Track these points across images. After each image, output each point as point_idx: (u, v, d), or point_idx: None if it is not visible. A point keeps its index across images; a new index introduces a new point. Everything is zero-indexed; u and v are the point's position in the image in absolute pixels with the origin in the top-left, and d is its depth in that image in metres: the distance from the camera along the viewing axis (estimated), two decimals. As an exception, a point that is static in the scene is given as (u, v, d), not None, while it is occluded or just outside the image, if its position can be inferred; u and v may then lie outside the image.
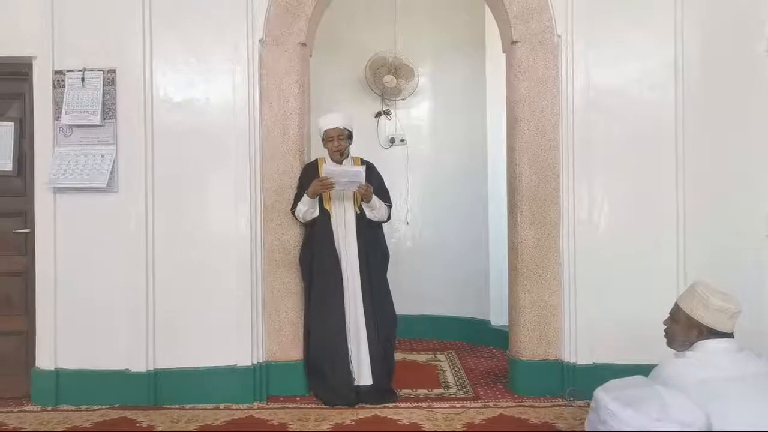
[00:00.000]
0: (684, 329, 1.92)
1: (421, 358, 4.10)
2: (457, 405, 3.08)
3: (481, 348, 4.35)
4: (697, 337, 1.88)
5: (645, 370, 2.09)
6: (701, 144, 3.17)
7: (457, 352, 4.22)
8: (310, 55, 3.53)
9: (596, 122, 3.23)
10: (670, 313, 2.02)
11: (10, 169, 3.32)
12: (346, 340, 3.13)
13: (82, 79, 3.21)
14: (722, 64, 3.19)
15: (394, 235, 4.71)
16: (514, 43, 3.32)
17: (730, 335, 1.86)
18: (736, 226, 3.14)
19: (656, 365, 2.01)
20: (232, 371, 3.19)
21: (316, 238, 3.22)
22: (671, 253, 3.15)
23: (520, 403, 3.10)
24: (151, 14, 3.21)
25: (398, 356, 3.75)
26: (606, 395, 1.68)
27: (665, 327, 2.04)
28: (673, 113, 3.19)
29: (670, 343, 2.01)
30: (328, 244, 3.18)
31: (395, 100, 4.81)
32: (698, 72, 3.19)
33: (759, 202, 3.15)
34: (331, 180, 3.03)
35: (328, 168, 3.08)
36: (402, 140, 4.83)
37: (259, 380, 3.21)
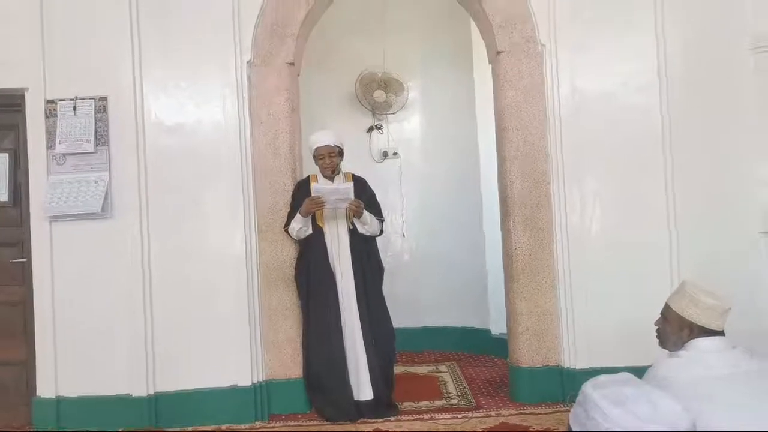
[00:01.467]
0: (675, 329, 1.93)
1: (422, 370, 4.09)
2: (459, 415, 3.08)
3: (482, 357, 4.34)
4: (689, 336, 1.88)
5: (642, 372, 2.09)
6: (689, 144, 3.20)
7: (459, 363, 4.22)
8: (299, 74, 3.57)
9: (584, 128, 3.26)
10: (661, 313, 2.03)
11: (6, 200, 3.34)
12: (344, 356, 3.13)
13: (74, 108, 3.25)
14: (706, 64, 3.23)
15: (391, 247, 4.72)
16: (499, 53, 3.36)
17: (721, 333, 1.87)
18: (727, 225, 3.17)
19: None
20: (232, 391, 3.19)
21: (311, 254, 3.23)
22: (664, 254, 3.17)
23: (521, 411, 3.10)
24: (140, 41, 3.26)
25: (399, 369, 3.76)
26: (595, 392, 1.68)
27: (656, 327, 2.04)
28: (660, 115, 3.23)
29: (662, 344, 2.01)
30: (323, 260, 3.20)
31: (386, 114, 4.85)
32: (682, 72, 3.23)
33: (750, 199, 3.18)
34: (321, 198, 3.05)
35: (317, 186, 3.11)
36: (395, 153, 4.87)
37: (259, 399, 3.21)
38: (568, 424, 1.79)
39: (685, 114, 3.21)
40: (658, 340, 2.03)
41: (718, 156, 3.20)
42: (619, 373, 1.84)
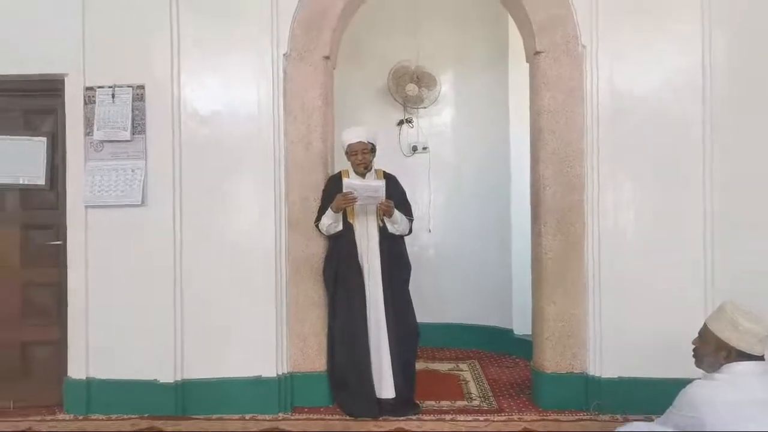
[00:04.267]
0: (712, 350, 1.90)
1: (443, 367, 4.10)
2: (481, 418, 3.09)
3: (503, 357, 4.33)
4: (726, 359, 1.85)
5: (671, 384, 2.08)
6: (730, 152, 3.12)
7: (480, 362, 4.21)
8: (334, 68, 3.56)
9: (622, 133, 3.20)
10: (698, 333, 2.00)
11: (43, 183, 3.41)
12: (369, 353, 3.15)
13: (113, 96, 3.29)
14: (753, 69, 3.13)
15: (417, 242, 4.71)
16: (537, 53, 3.31)
17: (760, 357, 1.84)
18: (766, 237, 3.08)
19: (681, 379, 1.99)
20: (257, 382, 3.24)
21: (340, 251, 3.24)
22: (699, 266, 3.11)
23: (544, 417, 3.09)
24: (179, 31, 3.28)
25: (420, 365, 3.77)
26: None
27: (693, 347, 2.01)
28: (701, 121, 3.15)
29: (698, 364, 1.98)
30: (352, 257, 3.21)
31: (417, 109, 4.82)
32: (726, 78, 3.14)
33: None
34: (353, 194, 3.05)
35: (349, 182, 3.10)
36: (424, 148, 4.84)
37: (283, 391, 3.25)
38: None
39: (728, 121, 3.13)
40: (694, 360, 2.00)
41: (760, 164, 3.11)
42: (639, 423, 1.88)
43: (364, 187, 3.09)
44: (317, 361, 3.32)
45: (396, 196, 3.23)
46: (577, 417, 3.07)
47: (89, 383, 3.25)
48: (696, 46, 3.16)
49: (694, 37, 3.16)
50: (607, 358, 3.15)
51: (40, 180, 3.41)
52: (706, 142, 3.13)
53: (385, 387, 3.14)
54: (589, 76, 3.23)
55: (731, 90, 3.13)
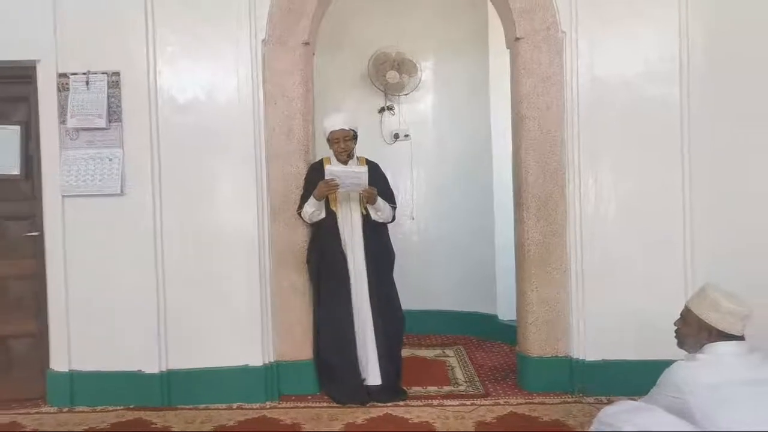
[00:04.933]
0: (694, 331, 1.93)
1: (429, 353, 4.13)
2: (468, 402, 3.12)
3: (489, 343, 4.37)
4: (707, 339, 1.89)
5: (654, 366, 2.10)
6: (708, 137, 3.15)
7: (465, 347, 4.25)
8: (314, 54, 3.52)
9: (602, 118, 3.22)
10: (680, 315, 2.04)
11: (18, 173, 3.32)
12: (354, 340, 3.15)
13: (87, 82, 3.21)
14: (730, 54, 3.15)
15: (400, 230, 4.70)
16: (518, 39, 3.30)
17: (740, 338, 1.88)
18: (746, 221, 3.12)
19: (664, 361, 2.03)
20: (243, 371, 3.22)
21: (323, 238, 3.23)
22: (679, 248, 3.16)
23: (530, 400, 3.13)
24: (153, 17, 3.20)
25: (406, 352, 3.78)
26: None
27: (675, 328, 2.05)
28: (679, 107, 3.18)
29: (680, 344, 2.02)
30: (335, 245, 3.20)
31: (398, 96, 4.80)
32: (704, 64, 3.17)
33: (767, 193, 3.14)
34: (336, 181, 3.03)
35: (331, 169, 3.08)
36: (406, 135, 4.82)
37: (270, 380, 3.24)
38: None
39: (706, 106, 3.16)
40: (676, 341, 2.04)
41: (739, 149, 3.13)
42: (627, 404, 1.91)
43: (347, 174, 3.08)
44: (303, 349, 3.31)
45: (378, 184, 3.22)
46: (562, 399, 3.12)
47: (72, 375, 3.21)
48: (673, 31, 3.18)
49: (672, 21, 3.18)
50: (591, 341, 3.20)
51: (15, 170, 3.32)
52: (684, 126, 3.17)
53: (372, 374, 3.15)
54: (569, 63, 3.24)
55: (709, 74, 3.15)
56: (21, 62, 3.24)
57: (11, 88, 3.34)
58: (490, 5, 3.88)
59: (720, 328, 1.87)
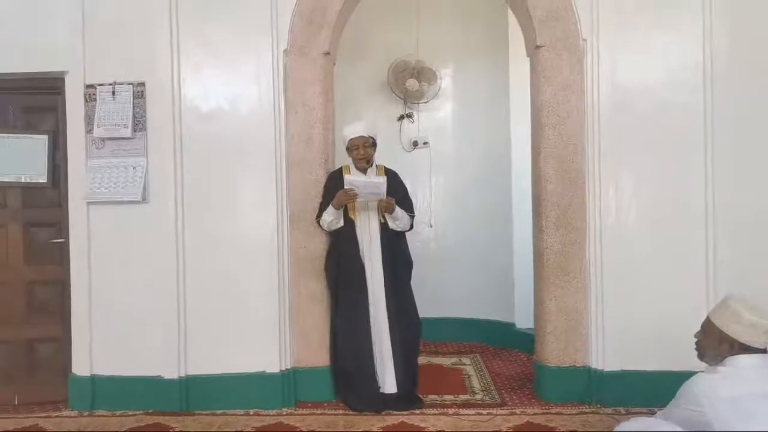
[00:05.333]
0: (715, 343, 1.90)
1: (446, 361, 4.11)
2: (484, 412, 3.10)
3: (506, 351, 4.34)
4: (729, 352, 1.86)
5: (674, 377, 2.08)
6: (731, 145, 3.12)
7: (482, 356, 4.23)
8: (334, 63, 3.55)
9: (623, 126, 3.20)
10: (701, 326, 2.00)
11: (45, 181, 3.41)
12: (371, 348, 3.16)
13: (113, 93, 3.29)
14: (753, 61, 3.12)
15: (418, 237, 4.71)
16: (538, 47, 3.30)
17: (763, 351, 1.84)
18: (766, 230, 3.08)
19: (684, 372, 2.00)
20: (260, 377, 3.25)
21: (342, 246, 3.25)
22: (701, 258, 3.11)
23: (547, 411, 3.10)
24: (178, 28, 3.27)
25: (423, 359, 3.78)
26: None
27: (696, 340, 2.02)
28: (702, 115, 3.15)
29: (700, 357, 1.99)
30: (354, 253, 3.22)
31: (418, 103, 4.82)
32: (728, 70, 3.13)
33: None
34: (354, 191, 3.06)
35: (349, 178, 3.11)
36: (425, 143, 4.84)
37: (287, 386, 3.27)
38: None
39: (728, 115, 3.12)
40: (696, 353, 2.00)
41: (759, 157, 3.10)
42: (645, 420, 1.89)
43: (366, 184, 3.10)
44: (320, 356, 3.33)
45: (397, 192, 3.24)
46: (580, 410, 3.09)
47: (94, 380, 3.27)
48: (697, 38, 3.15)
49: (695, 28, 3.15)
50: (610, 352, 3.16)
51: (42, 178, 3.41)
52: (708, 134, 3.13)
53: (388, 382, 3.15)
54: (590, 71, 3.23)
55: (733, 82, 3.12)
56: (50, 73, 3.34)
57: (40, 99, 3.44)
58: (510, 13, 3.89)
59: (742, 341, 1.84)
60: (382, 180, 3.10)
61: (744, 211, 3.10)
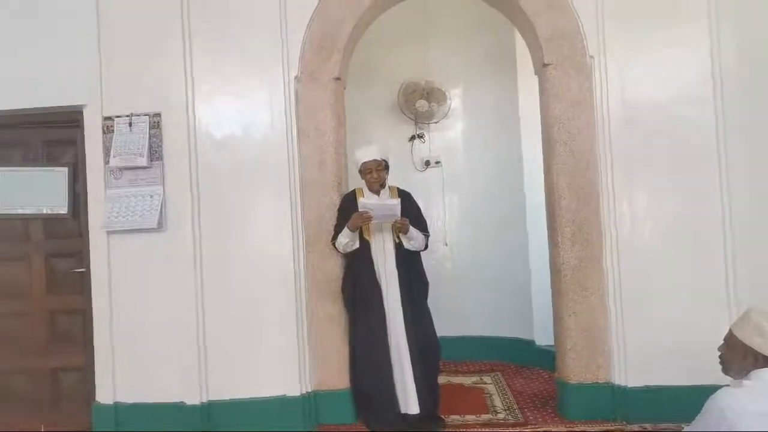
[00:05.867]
0: (739, 357, 1.88)
1: (466, 380, 4.08)
2: (507, 431, 3.07)
3: (527, 369, 4.31)
4: (753, 365, 1.84)
5: (699, 392, 2.06)
6: (745, 158, 3.11)
7: (503, 374, 4.19)
8: (344, 88, 3.61)
9: (634, 141, 3.20)
10: (724, 340, 1.99)
11: (66, 212, 3.48)
12: (391, 368, 3.15)
13: (130, 124, 3.37)
14: (762, 74, 3.12)
15: (434, 256, 4.70)
16: (546, 65, 3.33)
17: (788, 363, 1.82)
18: (787, 239, 3.06)
19: (709, 386, 1.98)
20: (282, 401, 3.26)
21: (357, 267, 3.27)
22: (719, 270, 3.08)
23: (571, 428, 3.07)
24: (192, 59, 3.36)
25: (443, 379, 3.76)
26: None
27: (719, 353, 2.00)
28: (714, 128, 3.14)
29: (725, 371, 1.97)
30: (369, 274, 3.23)
31: (428, 124, 4.86)
32: (737, 82, 3.13)
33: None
34: (369, 213, 3.08)
35: (364, 201, 3.13)
36: (437, 162, 4.87)
37: (308, 409, 3.27)
38: None
39: (739, 127, 3.12)
40: (721, 367, 1.98)
41: (777, 169, 3.10)
42: None
43: (380, 206, 3.12)
44: (340, 379, 3.33)
45: (411, 213, 3.25)
46: (604, 427, 3.05)
47: (117, 407, 3.30)
48: (704, 51, 3.16)
49: (702, 42, 3.16)
50: (633, 368, 3.13)
51: (63, 209, 3.49)
52: (720, 147, 3.12)
53: (410, 402, 3.13)
54: (599, 87, 3.25)
55: (743, 94, 3.12)
56: (69, 107, 3.43)
57: (60, 132, 3.54)
58: (516, 31, 3.93)
59: (766, 354, 1.82)
60: (396, 202, 3.13)
61: (761, 223, 3.07)
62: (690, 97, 3.16)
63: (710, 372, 2.16)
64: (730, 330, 1.97)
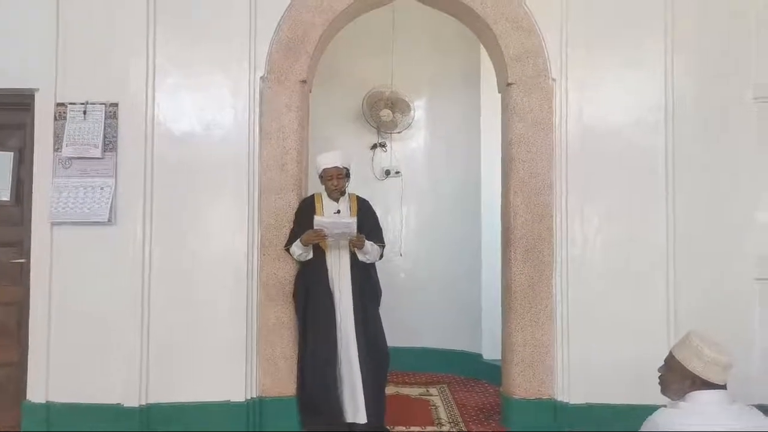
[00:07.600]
0: (678, 378, 1.94)
1: (413, 392, 4.10)
2: (451, 443, 3.10)
3: (473, 382, 4.35)
4: (691, 387, 1.91)
5: (638, 411, 2.12)
6: (691, 186, 3.25)
7: (450, 386, 4.23)
8: (310, 91, 3.59)
9: (589, 163, 3.30)
10: (664, 361, 2.05)
11: (8, 199, 3.32)
12: (338, 378, 3.12)
13: (84, 112, 3.24)
14: (711, 109, 3.29)
15: (387, 266, 4.70)
16: (509, 84, 3.40)
17: (723, 387, 1.90)
18: (724, 268, 3.22)
19: (648, 406, 2.04)
20: (225, 406, 3.18)
21: (311, 274, 3.23)
22: (662, 293, 3.21)
23: (513, 443, 3.12)
24: (154, 49, 3.27)
25: (390, 389, 3.76)
26: None
27: (659, 374, 2.07)
28: (664, 155, 3.28)
29: (663, 391, 2.03)
30: (322, 281, 3.19)
31: (391, 133, 4.88)
32: (688, 116, 3.28)
33: (746, 245, 3.23)
34: (323, 232, 3.06)
35: (319, 220, 3.09)
36: (397, 172, 4.89)
37: (252, 416, 3.20)
38: None
39: (688, 155, 3.27)
40: (660, 387, 2.05)
41: (718, 199, 3.25)
42: None
43: (335, 224, 3.09)
44: (287, 386, 3.27)
45: (368, 221, 3.25)
46: (545, 442, 3.11)
47: (49, 407, 3.14)
48: (659, 79, 3.30)
49: (658, 69, 3.30)
50: (575, 384, 3.21)
51: (5, 195, 3.32)
52: (669, 173, 3.26)
53: (358, 412, 3.10)
54: (559, 109, 3.34)
55: (694, 122, 3.27)
56: (20, 90, 3.27)
57: (9, 115, 3.36)
58: (482, 49, 4.00)
59: (703, 377, 1.89)
60: (352, 221, 3.10)
61: (703, 250, 3.22)
62: (643, 123, 3.29)
63: (650, 392, 2.22)
64: (670, 352, 2.04)
